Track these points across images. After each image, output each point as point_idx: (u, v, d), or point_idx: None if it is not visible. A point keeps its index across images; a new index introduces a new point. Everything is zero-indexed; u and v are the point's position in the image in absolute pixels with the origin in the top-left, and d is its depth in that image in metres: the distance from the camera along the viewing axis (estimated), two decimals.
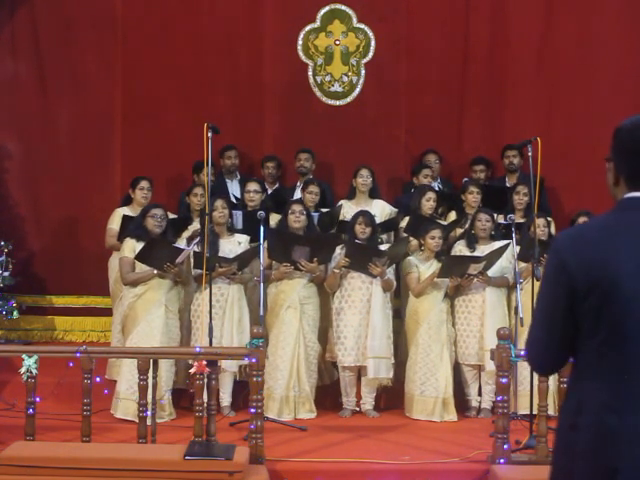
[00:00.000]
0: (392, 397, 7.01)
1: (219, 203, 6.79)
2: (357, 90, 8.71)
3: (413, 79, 8.67)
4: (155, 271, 6.49)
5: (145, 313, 6.49)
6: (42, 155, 8.69)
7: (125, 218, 7.06)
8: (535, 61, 8.67)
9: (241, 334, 6.58)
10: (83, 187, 8.59)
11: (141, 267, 6.55)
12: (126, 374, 6.38)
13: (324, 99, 8.72)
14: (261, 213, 6.45)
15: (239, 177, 8.22)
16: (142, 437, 5.31)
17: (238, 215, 7.15)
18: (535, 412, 5.67)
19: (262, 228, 6.36)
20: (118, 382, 6.52)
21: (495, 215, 7.05)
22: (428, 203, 7.31)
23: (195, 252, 6.54)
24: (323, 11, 8.72)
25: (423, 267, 6.86)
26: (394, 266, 6.98)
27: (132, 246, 6.58)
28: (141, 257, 6.48)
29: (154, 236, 6.59)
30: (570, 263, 2.40)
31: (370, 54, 8.71)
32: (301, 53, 8.72)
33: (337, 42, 8.71)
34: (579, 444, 2.40)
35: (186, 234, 7.00)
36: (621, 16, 8.64)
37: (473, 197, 7.39)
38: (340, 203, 7.59)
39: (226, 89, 8.67)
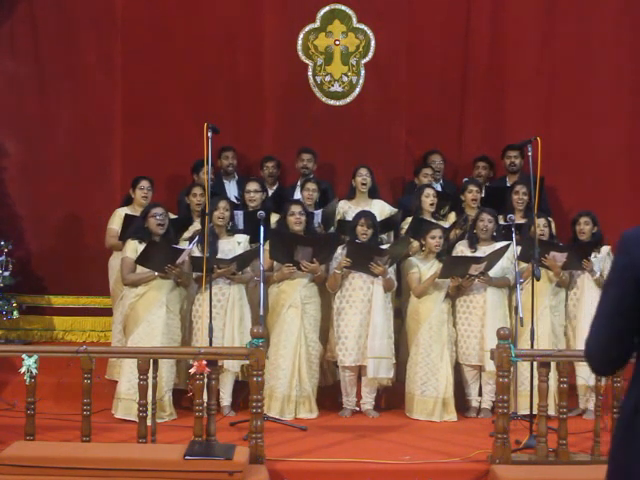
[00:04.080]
0: (392, 397, 7.01)
1: (222, 204, 6.78)
2: (357, 90, 8.70)
3: (413, 79, 8.65)
4: (156, 273, 6.50)
5: (146, 313, 6.49)
6: (42, 154, 8.67)
7: (127, 217, 7.06)
8: (535, 61, 8.66)
9: (242, 334, 6.57)
10: (83, 187, 8.57)
11: (142, 268, 6.55)
12: (127, 374, 6.39)
13: (324, 99, 8.71)
14: (261, 213, 6.44)
15: (237, 177, 8.21)
16: (142, 437, 5.31)
17: (239, 215, 7.14)
18: (535, 412, 5.68)
19: (262, 228, 6.36)
20: (119, 382, 6.53)
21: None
22: (427, 199, 7.30)
23: (193, 255, 6.53)
24: (323, 11, 8.71)
25: (424, 267, 6.86)
26: (395, 266, 6.98)
27: (134, 247, 6.58)
28: (141, 260, 6.48)
29: (155, 237, 6.59)
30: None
31: (370, 54, 8.70)
32: (301, 53, 8.71)
33: (337, 42, 8.71)
34: (637, 443, 2.39)
35: (187, 234, 7.00)
36: (621, 17, 8.63)
37: (472, 196, 7.38)
38: (336, 199, 7.58)
39: (226, 89, 8.66)
